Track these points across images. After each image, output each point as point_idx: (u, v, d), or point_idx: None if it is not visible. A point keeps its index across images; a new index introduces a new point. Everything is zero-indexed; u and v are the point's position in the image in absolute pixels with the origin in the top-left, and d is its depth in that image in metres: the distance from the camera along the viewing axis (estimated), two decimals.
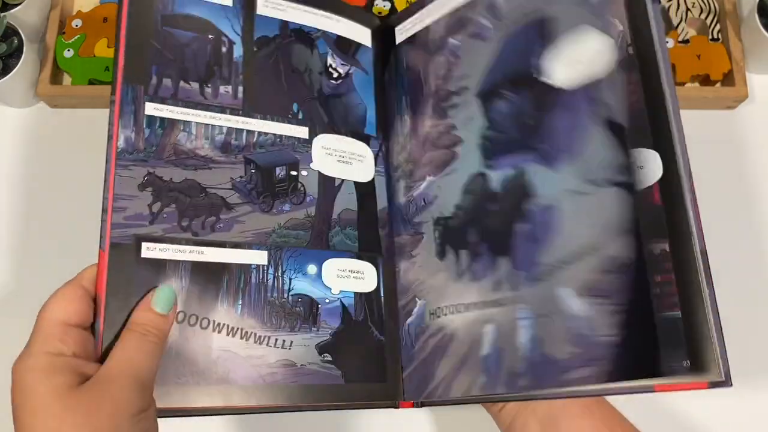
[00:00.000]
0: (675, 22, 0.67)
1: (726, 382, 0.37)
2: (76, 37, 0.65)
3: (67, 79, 0.66)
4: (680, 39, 0.65)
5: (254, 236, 0.45)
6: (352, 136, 0.50)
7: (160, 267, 0.41)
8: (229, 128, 0.46)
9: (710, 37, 0.66)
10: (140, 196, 0.42)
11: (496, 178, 0.44)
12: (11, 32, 0.61)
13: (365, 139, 0.51)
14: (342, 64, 0.51)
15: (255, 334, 0.43)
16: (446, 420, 0.57)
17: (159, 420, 0.39)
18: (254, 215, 0.45)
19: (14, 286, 0.61)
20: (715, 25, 0.66)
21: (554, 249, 0.41)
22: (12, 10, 0.63)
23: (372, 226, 0.49)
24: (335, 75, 0.51)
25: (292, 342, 0.43)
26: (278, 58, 0.49)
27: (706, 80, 0.65)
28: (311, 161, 0.48)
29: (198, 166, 0.44)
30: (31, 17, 0.65)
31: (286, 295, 0.44)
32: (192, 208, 0.44)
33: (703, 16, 0.67)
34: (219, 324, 0.42)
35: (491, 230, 0.44)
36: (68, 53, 0.64)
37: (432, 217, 0.47)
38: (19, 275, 0.62)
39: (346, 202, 0.48)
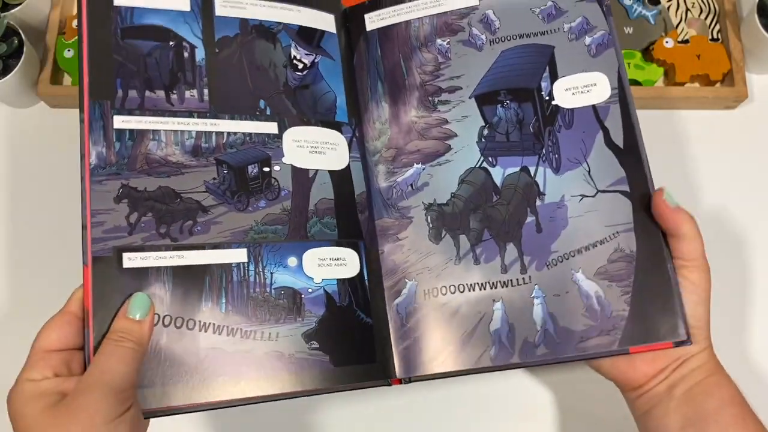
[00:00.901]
0: (675, 22, 0.67)
1: (687, 341, 0.44)
2: (76, 37, 0.65)
3: (67, 79, 0.66)
4: (680, 39, 0.65)
5: (232, 235, 0.45)
6: (323, 125, 0.50)
7: (142, 275, 0.43)
8: (198, 132, 0.47)
9: (710, 37, 0.66)
10: (117, 209, 0.43)
11: (499, 174, 0.48)
12: (11, 32, 0.62)
13: (337, 126, 0.51)
14: (306, 54, 0.51)
15: (241, 330, 0.44)
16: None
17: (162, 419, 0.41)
18: (230, 215, 0.46)
19: (13, 287, 0.61)
20: (715, 25, 0.66)
21: (564, 240, 0.46)
22: (12, 10, 0.63)
23: (351, 211, 0.49)
24: (300, 66, 0.51)
25: (278, 333, 0.44)
26: (241, 56, 0.50)
27: (706, 80, 0.65)
28: (283, 155, 0.48)
29: (170, 172, 0.45)
30: (31, 17, 0.65)
31: (268, 290, 0.45)
32: (168, 214, 0.45)
33: (703, 16, 0.67)
34: (205, 324, 0.43)
35: (495, 219, 0.48)
36: (68, 53, 0.64)
37: (423, 202, 0.49)
38: (19, 275, 0.62)
39: (321, 192, 0.48)
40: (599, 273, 0.45)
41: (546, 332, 0.45)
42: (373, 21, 0.53)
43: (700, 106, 0.65)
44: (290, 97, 0.50)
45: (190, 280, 0.44)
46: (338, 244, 0.48)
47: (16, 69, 0.61)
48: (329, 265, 0.47)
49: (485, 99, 0.49)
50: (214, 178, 0.46)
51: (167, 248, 0.44)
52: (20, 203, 0.64)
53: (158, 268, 0.43)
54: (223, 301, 0.44)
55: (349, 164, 0.50)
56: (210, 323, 0.43)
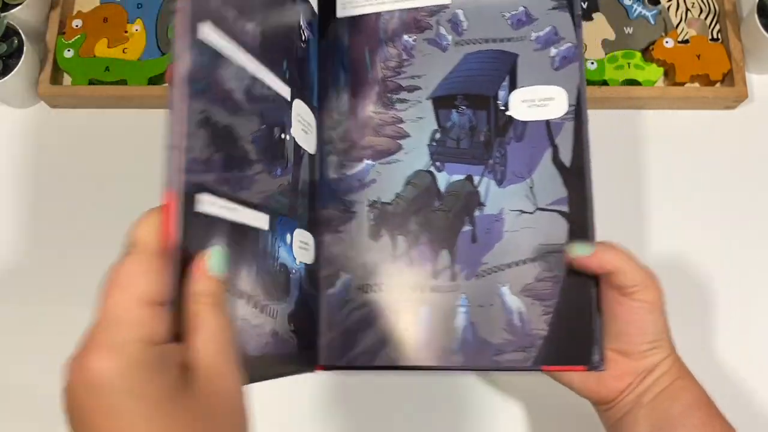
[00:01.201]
0: (675, 22, 0.66)
1: (601, 367, 0.43)
2: (76, 37, 0.65)
3: (67, 79, 0.66)
4: (680, 39, 0.65)
5: (262, 199, 0.40)
6: (307, 106, 0.49)
7: (206, 223, 0.35)
8: (251, 76, 0.41)
9: (710, 37, 0.66)
10: (198, 136, 0.34)
11: (444, 179, 0.48)
12: (11, 32, 0.62)
13: (313, 110, 0.49)
14: (306, 28, 0.49)
15: (260, 303, 0.40)
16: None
17: None
18: (263, 176, 0.41)
19: (13, 287, 0.61)
20: (715, 25, 0.66)
21: (496, 253, 0.46)
22: (12, 10, 0.63)
23: (313, 198, 0.48)
24: (303, 38, 0.49)
25: (277, 312, 0.42)
26: (278, 5, 0.45)
27: (706, 80, 0.65)
28: (291, 126, 0.45)
29: (233, 111, 0.38)
30: (32, 17, 0.65)
31: (276, 264, 0.42)
32: (230, 158, 0.37)
33: (703, 16, 0.67)
34: (241, 292, 0.38)
35: (434, 225, 0.47)
36: (68, 53, 0.65)
37: (367, 199, 0.48)
38: (19, 274, 0.62)
39: (305, 173, 0.47)
40: (525, 290, 0.45)
41: (464, 341, 0.45)
42: (345, 7, 0.52)
43: (700, 106, 0.65)
44: (297, 66, 0.47)
45: (236, 239, 0.37)
46: (307, 229, 0.47)
47: (16, 69, 0.61)
48: (302, 248, 0.46)
49: (442, 102, 0.49)
50: (258, 131, 0.41)
51: (227, 197, 0.36)
52: (20, 203, 0.64)
53: (217, 219, 0.36)
54: (254, 269, 0.39)
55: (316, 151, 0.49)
56: (244, 292, 0.38)
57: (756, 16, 0.61)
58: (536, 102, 0.47)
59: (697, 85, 0.65)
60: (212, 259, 0.33)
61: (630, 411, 0.45)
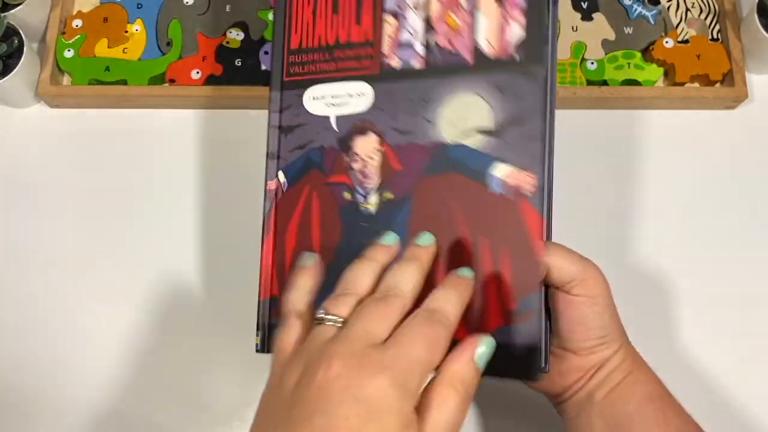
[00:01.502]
0: (675, 22, 0.66)
1: (545, 369, 0.41)
2: (76, 37, 0.65)
3: (67, 79, 0.66)
4: (680, 39, 0.65)
5: None
6: None
7: None
8: None
9: (710, 37, 0.66)
10: None
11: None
12: (11, 32, 0.62)
13: None
14: None
15: None
16: None
17: None
18: None
19: (19, 293, 0.61)
20: (715, 25, 0.66)
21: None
22: (12, 10, 0.63)
23: None
24: None
25: None
26: None
27: (706, 80, 0.65)
28: None
29: None
30: (32, 17, 0.65)
31: None
32: None
33: (702, 16, 0.67)
34: None
35: None
36: (69, 53, 0.65)
37: None
38: (17, 281, 0.62)
39: None
40: None
41: None
42: None
43: (700, 106, 0.65)
44: None
45: None
46: None
47: (16, 69, 0.61)
48: None
49: None
50: None
51: None
52: (19, 204, 0.64)
53: None
54: None
55: None
56: None
57: (756, 16, 0.61)
58: None
59: (697, 85, 0.65)
60: (484, 348, 0.33)
61: (584, 409, 0.44)
